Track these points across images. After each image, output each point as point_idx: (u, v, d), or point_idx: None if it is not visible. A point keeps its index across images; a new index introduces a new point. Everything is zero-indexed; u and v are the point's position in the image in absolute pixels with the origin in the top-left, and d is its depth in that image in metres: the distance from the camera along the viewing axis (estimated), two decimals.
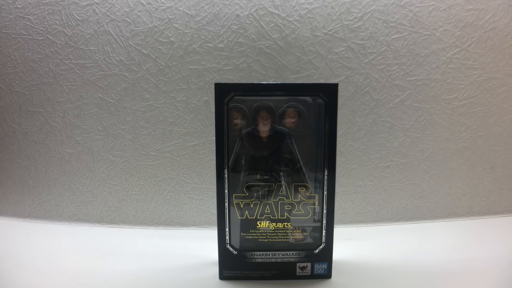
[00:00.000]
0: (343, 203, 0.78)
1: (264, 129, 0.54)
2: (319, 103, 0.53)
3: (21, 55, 0.76)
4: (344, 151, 0.77)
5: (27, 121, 0.78)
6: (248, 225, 0.56)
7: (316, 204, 0.55)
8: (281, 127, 0.55)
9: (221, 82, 0.71)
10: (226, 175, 0.53)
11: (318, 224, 0.55)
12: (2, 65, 0.77)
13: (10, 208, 0.82)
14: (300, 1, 0.72)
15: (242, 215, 0.55)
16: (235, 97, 0.52)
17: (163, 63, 0.74)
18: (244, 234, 0.56)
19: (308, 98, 0.54)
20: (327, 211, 0.54)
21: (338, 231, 0.64)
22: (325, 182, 0.54)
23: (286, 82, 0.73)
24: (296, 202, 0.55)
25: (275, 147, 0.55)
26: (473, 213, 0.81)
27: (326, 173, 0.53)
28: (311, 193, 0.55)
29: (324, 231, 0.55)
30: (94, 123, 0.77)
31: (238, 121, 0.54)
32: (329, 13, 0.72)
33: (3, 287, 0.55)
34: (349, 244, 0.69)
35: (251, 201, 0.55)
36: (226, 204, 0.54)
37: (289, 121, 0.54)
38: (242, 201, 0.55)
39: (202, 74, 0.74)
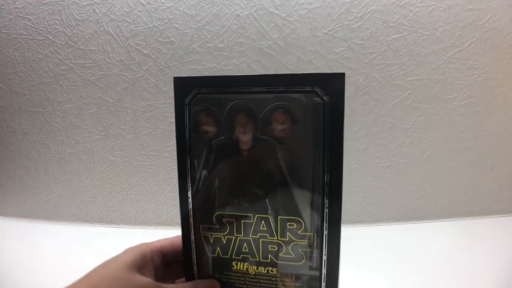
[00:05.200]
0: (343, 203, 0.78)
1: (243, 139, 0.39)
2: (317, 103, 0.39)
3: (21, 55, 0.76)
4: (344, 151, 0.76)
5: (27, 121, 0.78)
6: (221, 265, 0.42)
7: (314, 246, 0.39)
8: (266, 137, 0.39)
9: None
10: (189, 201, 0.40)
11: (316, 273, 0.39)
12: (2, 65, 0.76)
13: (10, 208, 0.82)
14: (300, 1, 0.72)
15: (213, 252, 0.42)
16: (199, 96, 0.38)
17: (163, 63, 0.74)
18: (219, 275, 0.42)
19: (303, 96, 0.39)
20: (328, 257, 0.38)
21: None
22: (325, 216, 0.38)
23: None
24: (284, 241, 0.39)
25: (258, 163, 0.40)
26: (473, 213, 0.81)
27: (326, 203, 0.38)
28: (305, 230, 0.39)
29: (324, 283, 0.39)
30: (94, 123, 0.77)
31: (208, 127, 0.39)
32: (329, 13, 0.72)
33: (3, 287, 0.55)
34: (349, 244, 0.69)
35: (224, 236, 0.41)
36: (192, 236, 0.41)
37: (277, 127, 0.39)
38: (211, 235, 0.41)
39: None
